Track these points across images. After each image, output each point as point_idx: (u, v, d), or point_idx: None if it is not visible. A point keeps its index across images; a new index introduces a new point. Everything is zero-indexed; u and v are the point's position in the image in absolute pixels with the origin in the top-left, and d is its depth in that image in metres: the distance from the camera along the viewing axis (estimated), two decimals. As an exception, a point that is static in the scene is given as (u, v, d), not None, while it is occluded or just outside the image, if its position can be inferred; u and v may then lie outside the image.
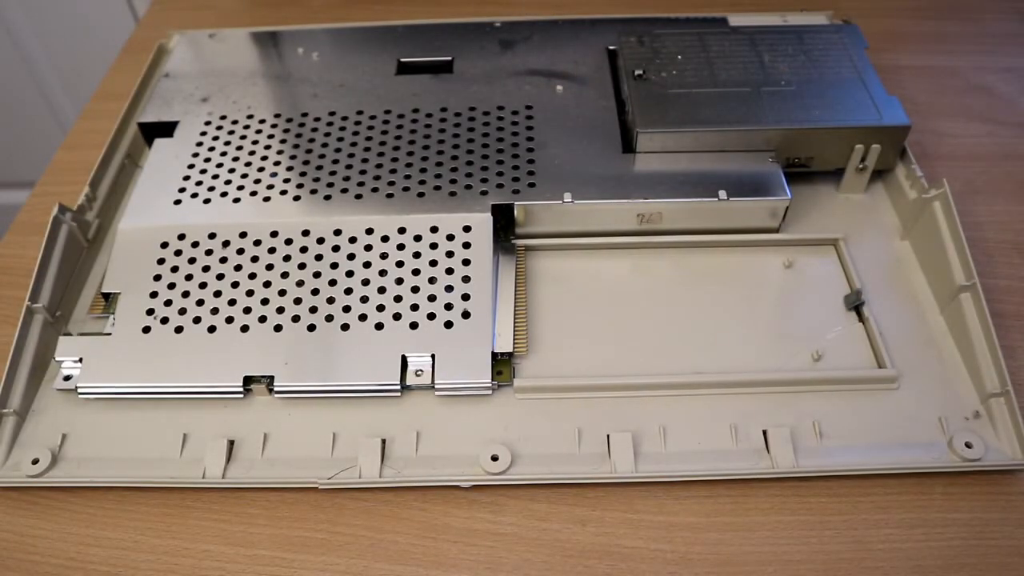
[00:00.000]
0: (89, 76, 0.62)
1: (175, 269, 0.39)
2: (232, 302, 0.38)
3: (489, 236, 0.39)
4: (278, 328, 0.37)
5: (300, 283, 0.38)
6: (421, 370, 0.36)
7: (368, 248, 0.39)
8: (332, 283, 0.38)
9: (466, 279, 0.38)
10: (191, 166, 0.43)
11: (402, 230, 0.40)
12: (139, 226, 0.41)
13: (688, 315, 0.39)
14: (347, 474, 0.34)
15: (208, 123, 0.46)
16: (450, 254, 0.39)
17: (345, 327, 0.37)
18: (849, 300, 0.39)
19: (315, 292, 0.38)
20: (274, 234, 0.40)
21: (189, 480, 0.34)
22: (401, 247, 0.39)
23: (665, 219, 0.41)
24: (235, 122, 0.46)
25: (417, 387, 0.36)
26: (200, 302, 0.38)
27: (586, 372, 0.37)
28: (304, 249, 0.39)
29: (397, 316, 0.37)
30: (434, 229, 0.40)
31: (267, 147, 0.44)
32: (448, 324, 0.37)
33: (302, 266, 0.39)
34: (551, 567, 0.32)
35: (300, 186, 0.42)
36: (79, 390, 0.36)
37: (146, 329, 0.37)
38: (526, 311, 0.39)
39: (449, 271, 0.38)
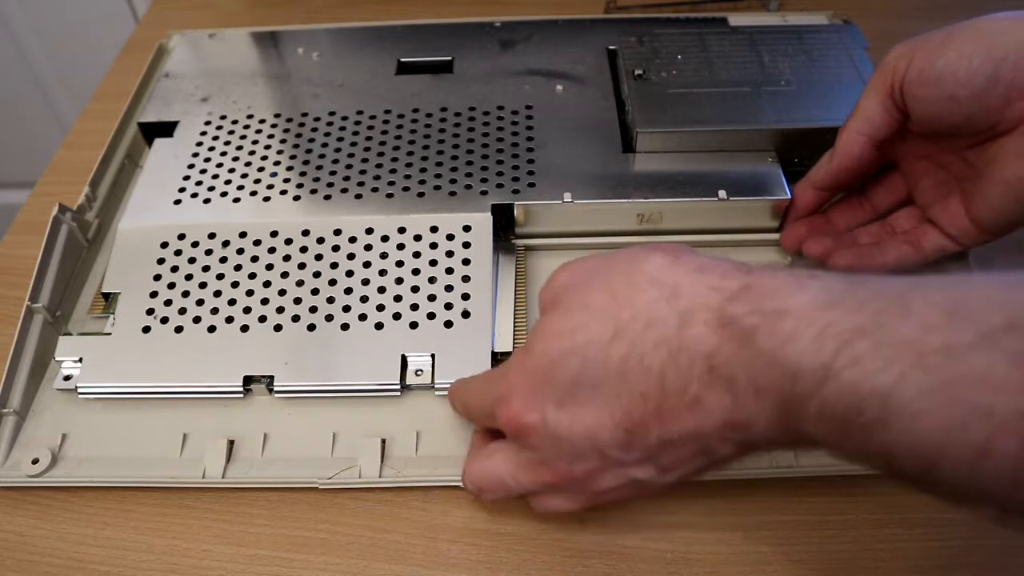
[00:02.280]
0: (89, 76, 0.62)
1: (175, 269, 0.39)
2: (232, 302, 0.38)
3: (489, 236, 0.39)
4: (278, 328, 0.37)
5: (300, 283, 0.38)
6: (421, 370, 0.36)
7: (368, 248, 0.39)
8: (332, 283, 0.38)
9: (466, 279, 0.38)
10: (191, 166, 0.43)
11: (402, 230, 0.40)
12: (139, 226, 0.41)
13: (688, 315, 0.39)
14: (347, 474, 0.34)
15: (208, 123, 0.46)
16: (450, 254, 0.39)
17: (345, 327, 0.37)
18: (849, 300, 0.39)
19: (315, 292, 0.38)
20: (274, 234, 0.40)
21: (189, 480, 0.34)
22: (401, 247, 0.39)
23: (665, 219, 0.41)
24: (235, 122, 0.46)
25: (417, 387, 0.36)
26: (200, 302, 0.38)
27: (586, 372, 0.37)
28: (304, 249, 0.39)
29: (397, 316, 0.37)
30: (434, 229, 0.40)
31: (267, 147, 0.44)
32: (448, 324, 0.37)
33: (302, 266, 0.39)
34: (551, 567, 0.32)
35: (300, 186, 0.42)
36: (79, 390, 0.36)
37: (146, 329, 0.37)
38: (526, 311, 0.39)
39: (449, 271, 0.38)
